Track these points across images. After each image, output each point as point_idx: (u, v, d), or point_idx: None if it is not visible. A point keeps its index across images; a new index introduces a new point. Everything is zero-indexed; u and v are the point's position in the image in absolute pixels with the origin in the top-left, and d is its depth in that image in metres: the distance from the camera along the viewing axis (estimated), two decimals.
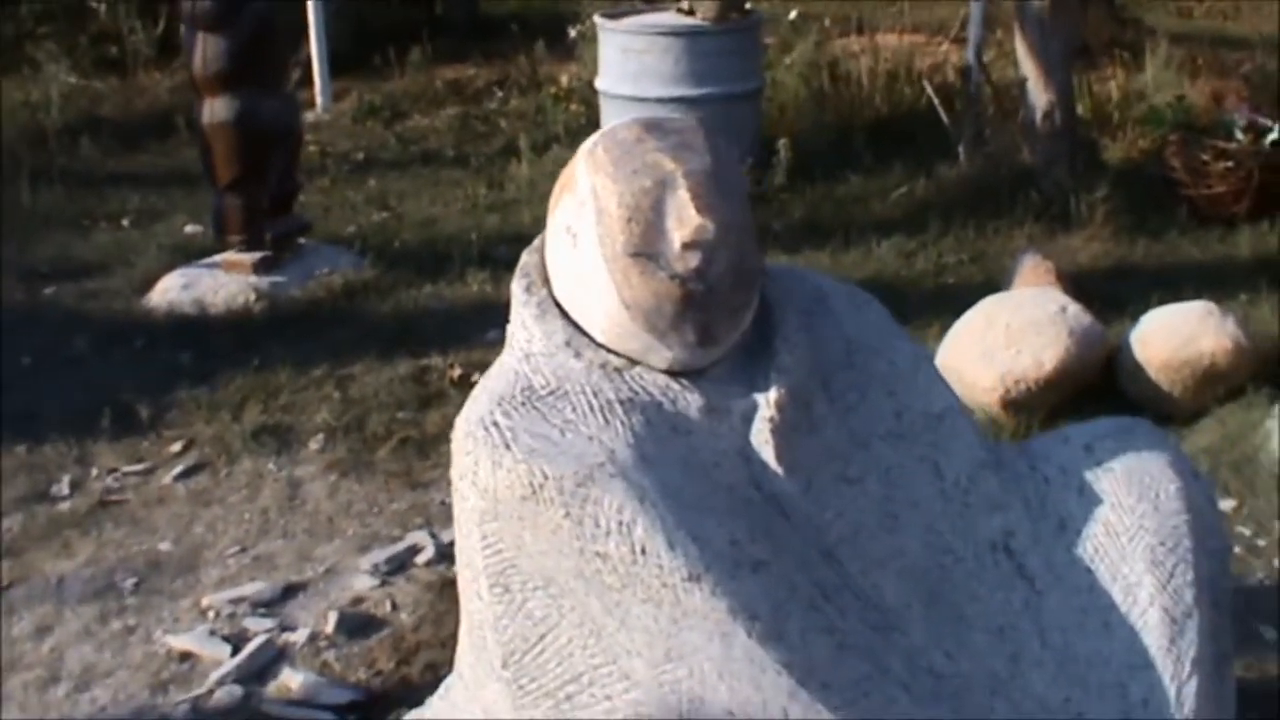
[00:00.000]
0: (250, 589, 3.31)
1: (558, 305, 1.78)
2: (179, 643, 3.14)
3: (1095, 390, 3.73)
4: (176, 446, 4.05)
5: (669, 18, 5.57)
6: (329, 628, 3.12)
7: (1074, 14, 5.86)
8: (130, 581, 3.42)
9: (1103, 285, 4.54)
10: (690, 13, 5.48)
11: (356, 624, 3.14)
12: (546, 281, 1.80)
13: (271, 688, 2.98)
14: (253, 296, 4.86)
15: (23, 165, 6.48)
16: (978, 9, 5.86)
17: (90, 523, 3.72)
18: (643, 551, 1.60)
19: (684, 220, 1.64)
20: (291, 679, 2.97)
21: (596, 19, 5.66)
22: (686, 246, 1.64)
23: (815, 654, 1.60)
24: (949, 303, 4.32)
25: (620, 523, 1.61)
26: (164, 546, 3.56)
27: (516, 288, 1.81)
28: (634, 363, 1.74)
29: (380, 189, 6.22)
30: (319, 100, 7.77)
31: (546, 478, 1.64)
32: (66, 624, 3.29)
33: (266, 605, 3.27)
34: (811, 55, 5.99)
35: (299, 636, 3.11)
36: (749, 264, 1.69)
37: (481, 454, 1.68)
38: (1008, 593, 1.80)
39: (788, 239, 5.15)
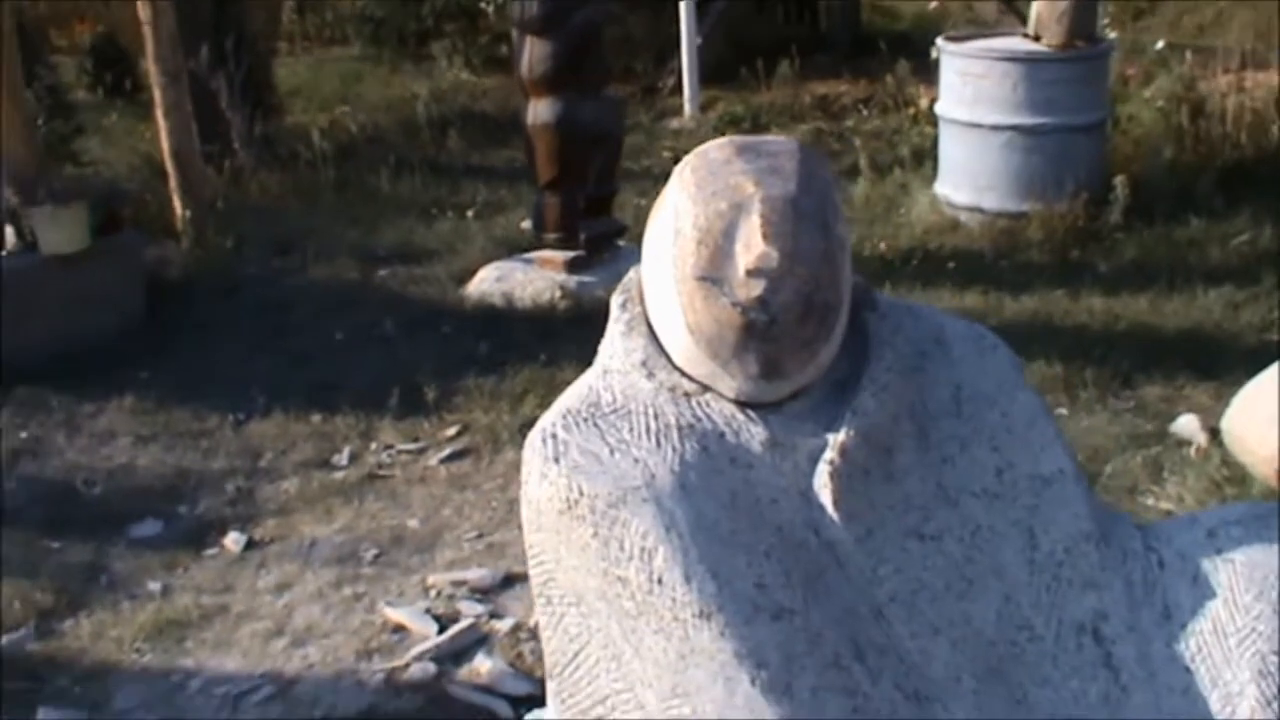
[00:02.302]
0: (474, 574, 3.42)
1: (649, 324, 1.74)
2: (395, 615, 3.28)
3: None
4: (451, 431, 4.23)
5: (1012, 43, 5.35)
6: (533, 621, 3.17)
7: None
8: (372, 552, 3.60)
9: None
10: (1036, 38, 5.24)
11: None
12: (643, 299, 1.76)
13: (464, 670, 3.07)
14: (558, 294, 5.00)
15: (389, 153, 6.92)
16: None
17: (355, 493, 3.94)
18: (659, 581, 1.55)
19: (750, 247, 1.57)
20: (483, 664, 3.05)
21: (939, 41, 5.50)
22: (750, 274, 1.57)
23: (824, 714, 1.50)
24: (1268, 362, 3.96)
25: (643, 549, 1.56)
26: (412, 524, 3.73)
27: (614, 303, 1.78)
28: (706, 389, 1.68)
29: None
30: (686, 108, 7.94)
31: (582, 494, 1.61)
32: (305, 584, 3.49)
33: (484, 592, 3.36)
34: (1172, 89, 5.60)
35: (503, 625, 3.19)
36: (822, 297, 1.59)
37: (534, 464, 1.67)
38: (1086, 682, 1.62)
39: (1109, 280, 4.85)
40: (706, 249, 1.60)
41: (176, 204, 5.72)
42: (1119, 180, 5.05)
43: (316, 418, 4.39)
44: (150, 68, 5.57)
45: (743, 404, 1.67)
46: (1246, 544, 1.65)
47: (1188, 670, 1.61)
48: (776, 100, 7.61)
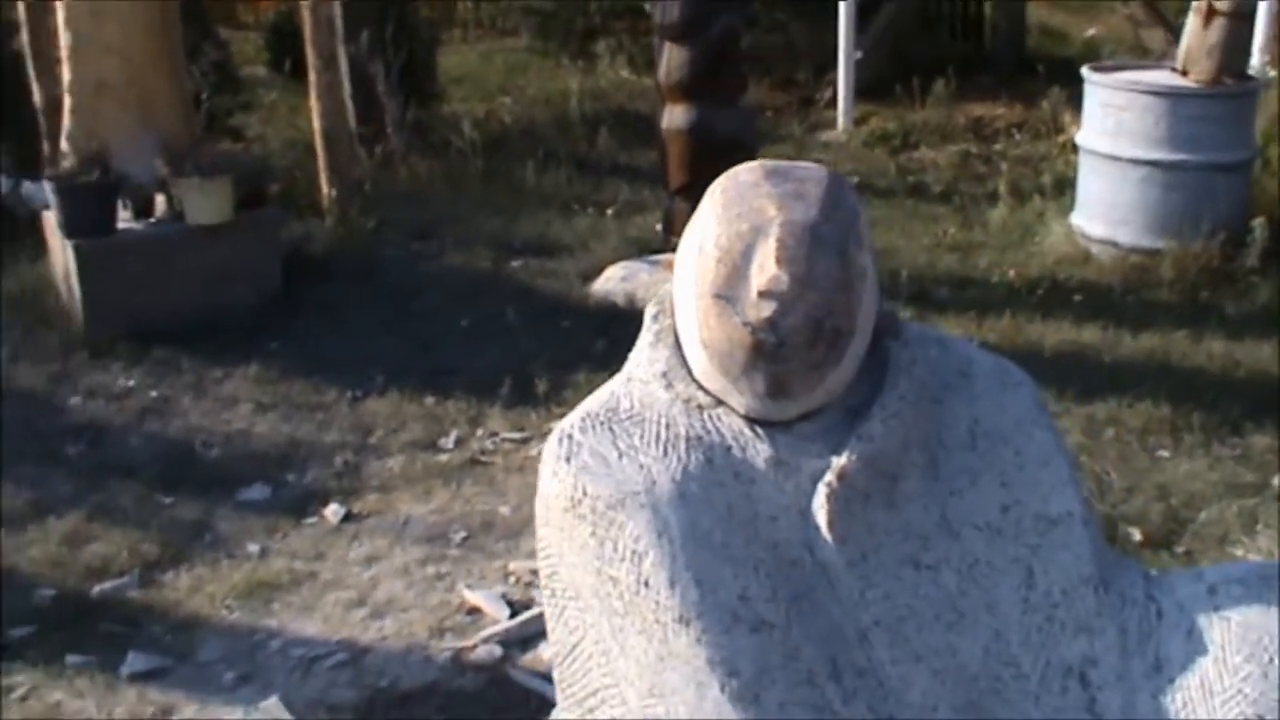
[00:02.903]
0: None
1: (676, 336, 1.80)
2: (472, 597, 3.38)
3: None
4: (555, 423, 4.32)
5: (1159, 76, 5.24)
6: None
7: None
8: (461, 534, 3.71)
9: None
10: (1184, 73, 5.13)
11: None
12: (674, 312, 1.82)
13: (528, 656, 3.16)
14: None
15: (539, 147, 7.05)
16: None
17: (456, 476, 4.06)
18: (646, 584, 1.60)
19: (764, 269, 1.61)
20: (546, 652, 3.13)
21: (1084, 70, 5.42)
22: (761, 295, 1.61)
23: None
24: None
25: (634, 551, 1.62)
26: (504, 510, 3.83)
27: (647, 313, 1.84)
28: (720, 403, 1.73)
29: None
30: (840, 122, 7.93)
31: (585, 494, 1.67)
32: (393, 559, 3.62)
33: None
34: None
35: None
36: (834, 323, 1.63)
37: (548, 462, 1.74)
38: None
39: (1235, 323, 4.74)
40: (724, 268, 1.64)
41: (324, 183, 5.93)
42: (1258, 222, 4.92)
43: (430, 400, 4.52)
44: (307, 50, 5.78)
45: (753, 421, 1.71)
46: (1245, 604, 1.64)
47: None
48: (930, 119, 7.55)
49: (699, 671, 1.56)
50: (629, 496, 1.65)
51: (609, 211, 6.36)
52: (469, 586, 3.43)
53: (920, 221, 6.12)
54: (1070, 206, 5.62)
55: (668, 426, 1.72)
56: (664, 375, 1.76)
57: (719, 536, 1.63)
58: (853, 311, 1.66)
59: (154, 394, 4.58)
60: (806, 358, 1.64)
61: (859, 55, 7.80)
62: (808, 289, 1.61)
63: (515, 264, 5.68)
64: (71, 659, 3.24)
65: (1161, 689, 1.63)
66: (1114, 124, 5.15)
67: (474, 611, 3.34)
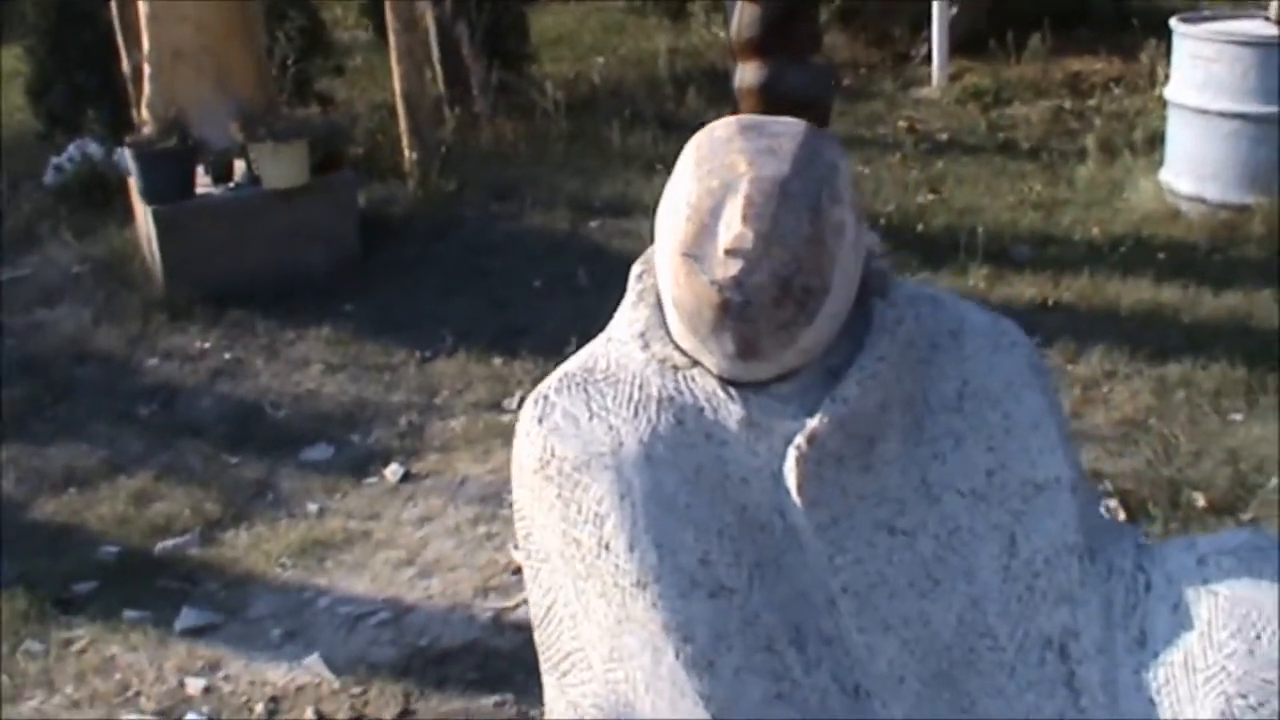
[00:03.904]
0: None
1: (658, 296, 1.77)
2: (518, 558, 3.38)
3: None
4: None
5: (1251, 26, 5.04)
6: None
7: None
8: None
9: None
10: (1277, 22, 4.93)
11: None
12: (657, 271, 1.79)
13: None
14: None
15: (626, 107, 7.01)
16: None
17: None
18: (606, 547, 1.58)
19: (729, 226, 1.57)
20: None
21: (1173, 21, 5.23)
22: (727, 253, 1.57)
23: (745, 695, 1.51)
24: None
25: (596, 514, 1.59)
26: None
27: (632, 273, 1.82)
28: (696, 363, 1.69)
29: (942, 172, 6.14)
30: (934, 78, 7.77)
31: (553, 455, 1.65)
32: (446, 519, 3.65)
33: None
34: None
35: None
36: (803, 281, 1.58)
37: (523, 422, 1.73)
38: (1042, 699, 1.57)
39: None
40: (693, 225, 1.61)
41: (405, 146, 5.96)
42: None
43: (497, 361, 4.54)
44: (388, 13, 5.81)
45: (728, 382, 1.68)
46: (1235, 577, 1.56)
47: (1151, 702, 1.54)
48: (1025, 74, 7.36)
49: (655, 636, 1.54)
50: (594, 458, 1.63)
51: None
52: (517, 547, 3.43)
53: (1007, 179, 5.97)
54: (1160, 163, 5.44)
55: (641, 387, 1.69)
56: (642, 335, 1.73)
57: (683, 499, 1.60)
58: (824, 269, 1.61)
59: (227, 356, 4.66)
60: (774, 316, 1.59)
61: (954, 10, 7.62)
62: (773, 245, 1.57)
63: (593, 224, 5.67)
64: (129, 614, 3.32)
65: (1144, 664, 1.57)
66: (1203, 76, 4.97)
67: (519, 572, 3.35)
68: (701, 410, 1.67)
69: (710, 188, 1.61)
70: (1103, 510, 1.82)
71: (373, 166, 6.04)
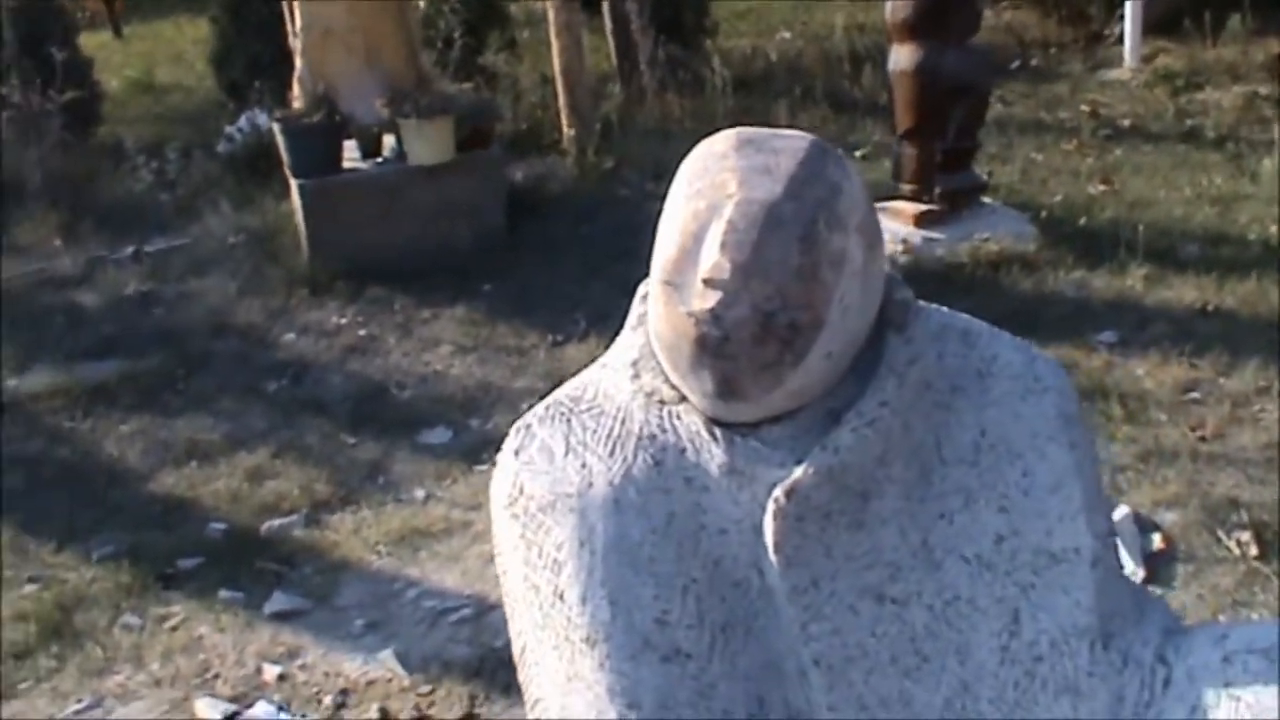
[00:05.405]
0: None
1: None
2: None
3: None
4: None
5: None
6: None
7: None
8: None
9: None
10: None
11: None
12: None
13: None
14: (900, 247, 4.81)
15: (795, 85, 6.82)
16: None
17: None
18: (560, 597, 1.47)
19: (709, 254, 1.43)
20: None
21: None
22: (705, 283, 1.43)
23: None
24: None
25: (555, 560, 1.48)
26: None
27: (638, 294, 1.69)
28: (684, 399, 1.56)
29: (1118, 160, 5.81)
30: (1126, 59, 7.39)
31: (520, 493, 1.55)
32: None
33: None
34: None
35: None
36: (789, 318, 1.42)
37: (502, 453, 1.63)
38: None
39: None
40: (677, 250, 1.47)
41: (563, 122, 5.90)
42: None
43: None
44: None
45: (715, 422, 1.54)
46: (1262, 681, 1.36)
47: None
48: (1223, 57, 6.91)
49: (599, 699, 1.42)
50: (560, 499, 1.52)
51: (857, 154, 6.10)
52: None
53: (1187, 170, 5.61)
54: None
55: (623, 422, 1.57)
56: (633, 364, 1.61)
57: (648, 551, 1.48)
58: (816, 304, 1.45)
59: (362, 333, 4.68)
60: (756, 355, 1.45)
61: None
62: (753, 278, 1.42)
63: None
64: (224, 593, 3.35)
65: None
66: None
67: None
68: (683, 451, 1.54)
69: (697, 209, 1.47)
70: (1130, 580, 1.61)
71: (533, 142, 6.00)
